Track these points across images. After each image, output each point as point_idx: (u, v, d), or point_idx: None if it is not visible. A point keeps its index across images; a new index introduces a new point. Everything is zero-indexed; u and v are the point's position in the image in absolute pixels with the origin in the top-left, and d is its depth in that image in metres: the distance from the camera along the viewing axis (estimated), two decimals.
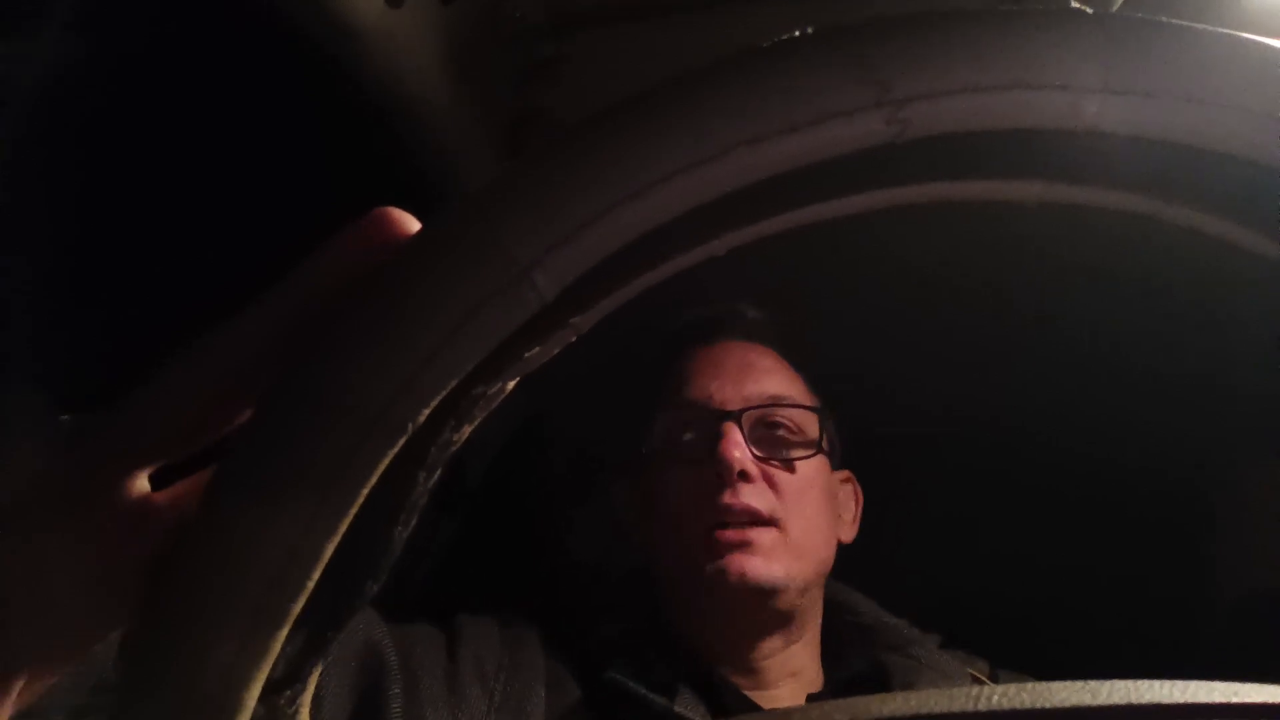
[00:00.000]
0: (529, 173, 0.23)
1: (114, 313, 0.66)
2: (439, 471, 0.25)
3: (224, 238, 0.70)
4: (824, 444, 0.80)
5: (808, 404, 0.82)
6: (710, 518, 0.74)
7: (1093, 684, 0.26)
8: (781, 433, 0.79)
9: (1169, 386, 0.95)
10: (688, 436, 0.79)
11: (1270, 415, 0.82)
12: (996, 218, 0.85)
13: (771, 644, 0.76)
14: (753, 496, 0.74)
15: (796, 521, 0.75)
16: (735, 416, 0.76)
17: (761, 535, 0.73)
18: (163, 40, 0.67)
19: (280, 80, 0.71)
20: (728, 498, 0.73)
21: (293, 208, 0.65)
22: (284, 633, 0.23)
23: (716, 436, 0.75)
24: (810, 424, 0.80)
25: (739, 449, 0.74)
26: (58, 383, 0.58)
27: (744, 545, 0.72)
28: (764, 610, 0.74)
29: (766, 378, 0.81)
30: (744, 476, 0.74)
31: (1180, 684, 0.26)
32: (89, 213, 0.65)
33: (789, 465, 0.78)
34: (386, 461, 0.23)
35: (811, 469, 0.79)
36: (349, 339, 0.23)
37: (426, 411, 0.23)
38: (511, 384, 0.25)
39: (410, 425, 0.22)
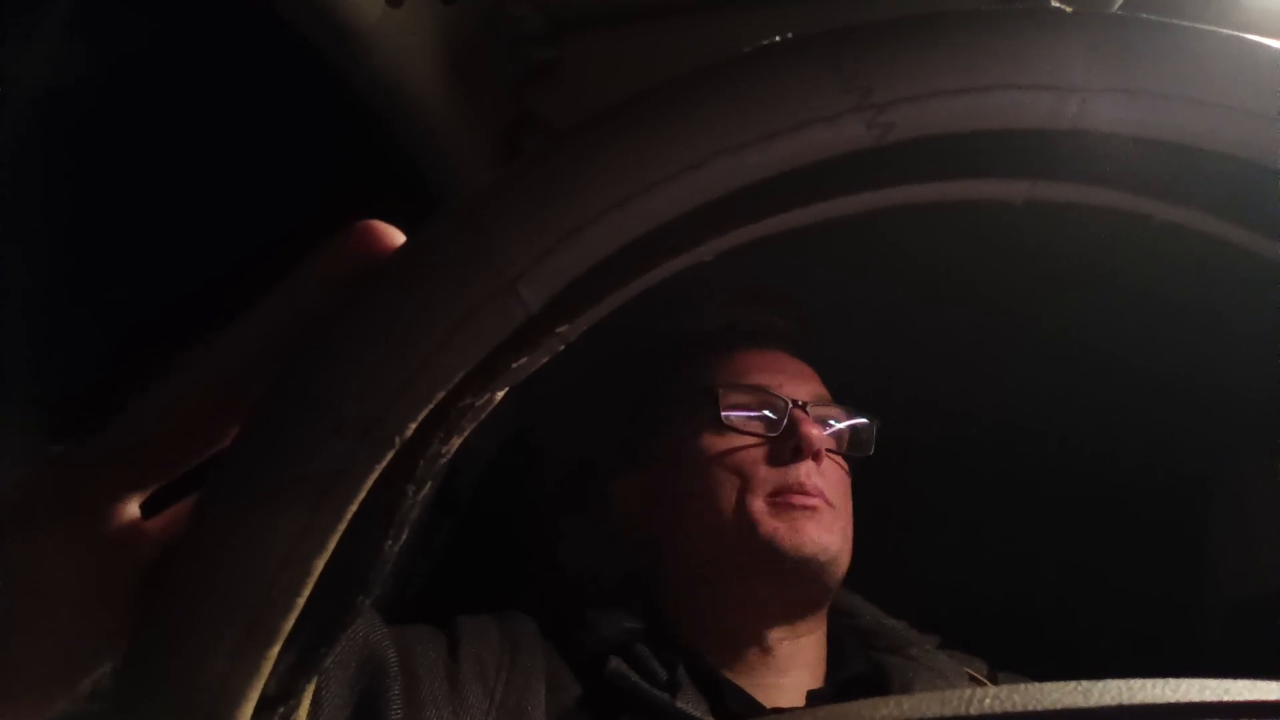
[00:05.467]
0: (515, 184, 0.23)
1: (112, 313, 0.66)
2: (429, 485, 0.24)
3: (222, 239, 0.70)
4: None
5: (863, 413, 0.85)
6: (779, 487, 0.75)
7: (1085, 684, 0.26)
8: (834, 432, 0.82)
9: (1168, 387, 0.94)
10: (753, 414, 0.80)
11: (1270, 415, 0.82)
12: (997, 219, 0.85)
13: (794, 626, 0.77)
14: (821, 478, 0.77)
15: (843, 512, 0.79)
16: (804, 406, 0.79)
17: (826, 508, 0.76)
18: (162, 40, 0.67)
19: (279, 80, 0.71)
20: (803, 474, 0.76)
21: (291, 208, 0.65)
22: (277, 649, 0.23)
23: (792, 418, 0.78)
24: (862, 431, 0.84)
25: (819, 429, 0.77)
26: (55, 383, 0.58)
27: (813, 510, 0.75)
28: (812, 582, 0.75)
29: (819, 384, 0.85)
30: (817, 458, 0.77)
31: (1172, 682, 0.26)
32: (87, 213, 0.65)
33: (845, 461, 0.82)
34: (377, 473, 0.23)
35: (847, 470, 0.83)
36: (340, 348, 0.23)
37: (414, 424, 0.23)
38: (500, 395, 0.25)
39: (399, 437, 0.22)
